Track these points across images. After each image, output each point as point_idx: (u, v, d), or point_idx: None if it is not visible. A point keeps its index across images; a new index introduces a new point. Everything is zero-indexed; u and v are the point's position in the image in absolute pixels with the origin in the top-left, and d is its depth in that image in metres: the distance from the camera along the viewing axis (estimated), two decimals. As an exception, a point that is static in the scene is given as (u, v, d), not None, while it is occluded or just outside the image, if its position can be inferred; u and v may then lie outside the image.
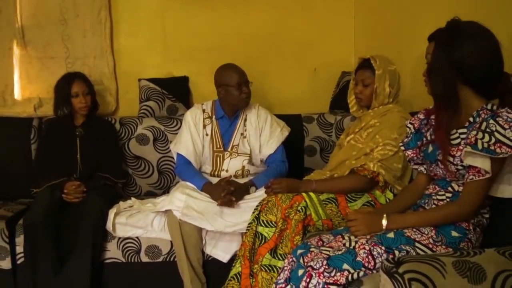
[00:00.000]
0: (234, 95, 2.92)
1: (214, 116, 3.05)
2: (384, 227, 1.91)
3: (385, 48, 3.21)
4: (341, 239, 1.93)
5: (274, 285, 1.98)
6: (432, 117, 1.97)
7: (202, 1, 3.66)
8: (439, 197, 1.94)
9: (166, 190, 3.39)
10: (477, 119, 1.81)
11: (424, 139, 2.02)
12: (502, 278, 1.38)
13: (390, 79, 2.53)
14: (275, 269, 2.33)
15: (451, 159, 1.85)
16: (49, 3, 3.48)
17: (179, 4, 3.64)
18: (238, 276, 2.43)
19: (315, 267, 1.79)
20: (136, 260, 2.80)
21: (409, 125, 2.12)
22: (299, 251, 1.94)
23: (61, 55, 3.53)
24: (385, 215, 1.93)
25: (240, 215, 2.65)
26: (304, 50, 3.75)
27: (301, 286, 1.80)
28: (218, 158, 3.01)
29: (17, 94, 3.50)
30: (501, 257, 1.46)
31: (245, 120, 3.07)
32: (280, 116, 3.21)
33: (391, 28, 3.30)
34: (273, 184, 2.54)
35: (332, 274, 1.76)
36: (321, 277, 1.76)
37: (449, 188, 1.92)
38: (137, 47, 3.65)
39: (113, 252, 2.79)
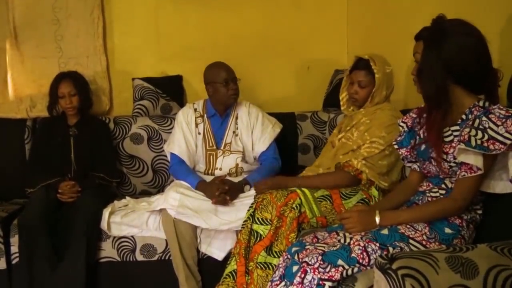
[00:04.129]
0: (222, 92, 2.93)
1: (205, 115, 3.06)
2: (377, 224, 1.92)
3: (378, 46, 3.22)
4: (336, 236, 1.94)
5: (269, 283, 1.99)
6: (424, 116, 1.98)
7: (195, 0, 3.66)
8: (432, 194, 1.95)
9: (160, 189, 3.39)
10: (470, 116, 1.83)
11: (417, 137, 2.04)
12: (494, 273, 1.39)
13: (387, 82, 2.54)
14: (270, 266, 2.34)
15: (444, 156, 1.86)
16: (42, 2, 3.47)
17: (172, 3, 3.64)
18: (234, 274, 2.44)
19: (310, 262, 1.80)
20: (131, 259, 2.80)
21: (402, 124, 2.13)
22: (294, 249, 1.95)
23: (54, 54, 3.52)
24: (377, 212, 1.94)
25: (235, 213, 2.66)
26: (297, 48, 3.76)
27: (295, 281, 1.81)
28: (211, 157, 3.01)
29: (10, 94, 3.48)
30: (493, 253, 1.47)
31: (237, 118, 3.08)
32: (273, 114, 3.23)
33: (384, 26, 3.31)
34: (259, 185, 2.59)
35: (327, 269, 1.76)
36: (316, 273, 1.77)
37: (443, 185, 1.93)
38: (130, 46, 3.64)
39: (108, 251, 2.80)
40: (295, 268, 1.86)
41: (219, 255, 2.73)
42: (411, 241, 1.84)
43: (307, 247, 1.90)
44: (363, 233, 1.89)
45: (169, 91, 3.56)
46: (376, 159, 2.45)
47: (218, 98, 2.97)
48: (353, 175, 2.47)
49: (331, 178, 2.52)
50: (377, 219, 1.92)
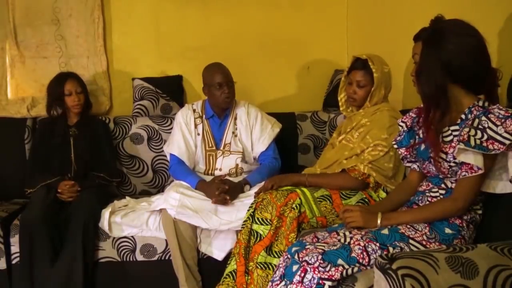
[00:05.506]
0: (215, 95, 2.93)
1: (204, 116, 3.06)
2: (378, 224, 1.93)
3: (378, 46, 3.22)
4: (336, 236, 1.95)
5: (270, 283, 1.99)
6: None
7: (195, 0, 3.66)
8: (432, 194, 1.95)
9: (160, 189, 3.39)
10: (469, 116, 1.83)
11: (417, 137, 2.04)
12: (494, 273, 1.39)
13: (386, 81, 2.54)
14: (270, 266, 2.34)
15: (443, 156, 1.86)
16: (42, 3, 3.47)
17: (172, 3, 3.64)
18: (234, 274, 2.44)
19: (310, 261, 1.80)
20: (131, 259, 2.80)
21: (401, 123, 2.13)
22: (294, 249, 1.95)
23: (54, 54, 3.52)
24: (379, 213, 1.95)
25: (235, 213, 2.66)
26: (297, 48, 3.76)
27: (294, 280, 1.81)
28: (211, 157, 3.01)
29: (11, 94, 3.48)
30: (493, 252, 1.47)
31: (236, 118, 3.08)
32: (273, 114, 3.23)
33: (383, 26, 3.32)
34: (265, 183, 2.59)
35: (327, 269, 1.77)
36: (316, 272, 1.77)
37: (442, 185, 1.94)
38: (130, 46, 3.64)
39: (108, 251, 2.79)
40: (295, 267, 1.86)
41: (219, 255, 2.73)
42: (411, 241, 1.84)
43: (307, 246, 1.90)
44: (363, 233, 1.89)
45: (169, 91, 3.56)
46: (382, 162, 2.45)
47: (212, 100, 2.99)
48: (360, 179, 2.47)
49: (338, 180, 2.50)
50: (379, 220, 1.93)
